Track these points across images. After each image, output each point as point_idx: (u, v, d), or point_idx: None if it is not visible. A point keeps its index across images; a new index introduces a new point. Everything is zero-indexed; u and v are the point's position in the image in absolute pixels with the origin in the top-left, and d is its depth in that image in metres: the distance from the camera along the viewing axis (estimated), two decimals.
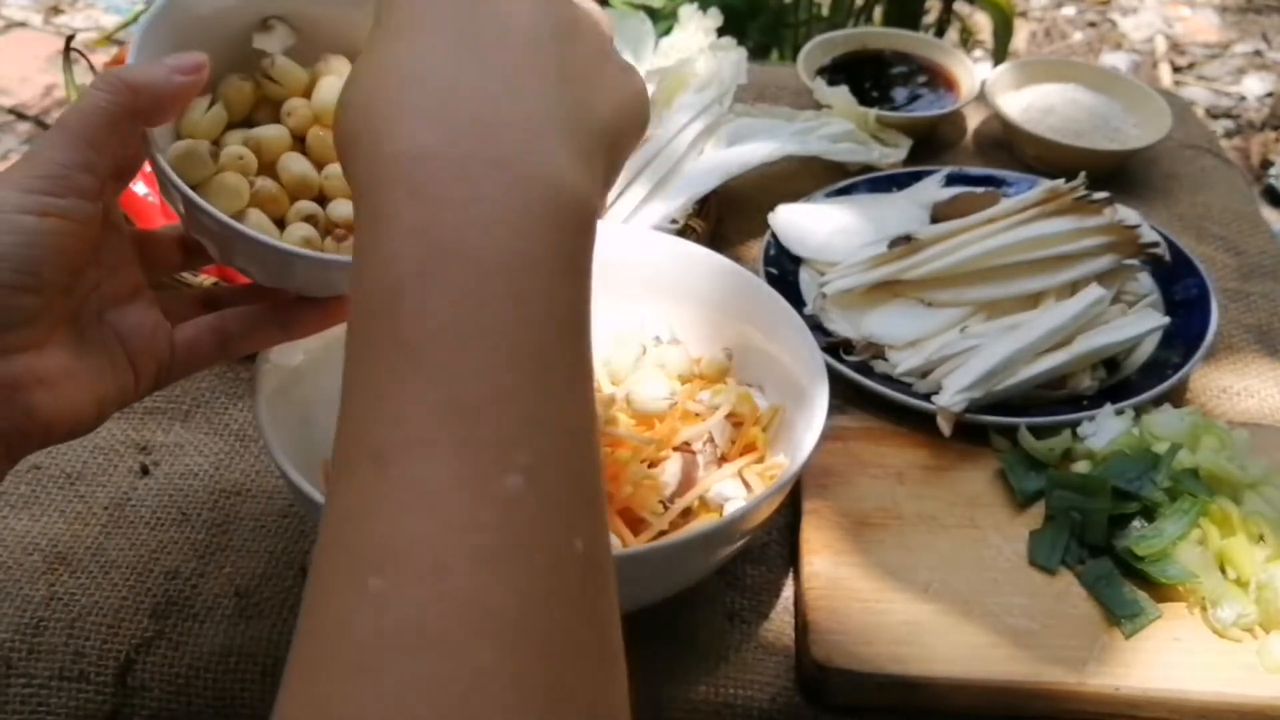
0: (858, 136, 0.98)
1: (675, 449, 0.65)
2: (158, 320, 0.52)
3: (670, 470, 0.63)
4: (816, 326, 0.79)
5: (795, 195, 0.92)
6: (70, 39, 0.93)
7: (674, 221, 0.87)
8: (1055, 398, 0.75)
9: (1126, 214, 0.80)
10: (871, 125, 1.00)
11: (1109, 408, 0.73)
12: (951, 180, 0.94)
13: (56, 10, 2.65)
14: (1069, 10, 2.85)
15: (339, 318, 0.54)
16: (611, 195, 0.88)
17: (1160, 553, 0.64)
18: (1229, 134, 2.39)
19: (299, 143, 0.54)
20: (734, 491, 0.64)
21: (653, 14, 1.22)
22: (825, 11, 1.89)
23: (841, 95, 1.00)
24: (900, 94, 1.07)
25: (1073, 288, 0.79)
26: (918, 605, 0.63)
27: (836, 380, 0.69)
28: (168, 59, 0.49)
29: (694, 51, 1.00)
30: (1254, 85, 2.56)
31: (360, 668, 0.29)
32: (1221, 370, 0.83)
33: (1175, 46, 2.70)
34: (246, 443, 0.74)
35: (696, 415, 0.67)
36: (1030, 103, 1.04)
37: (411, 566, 0.30)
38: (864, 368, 0.77)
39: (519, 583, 0.30)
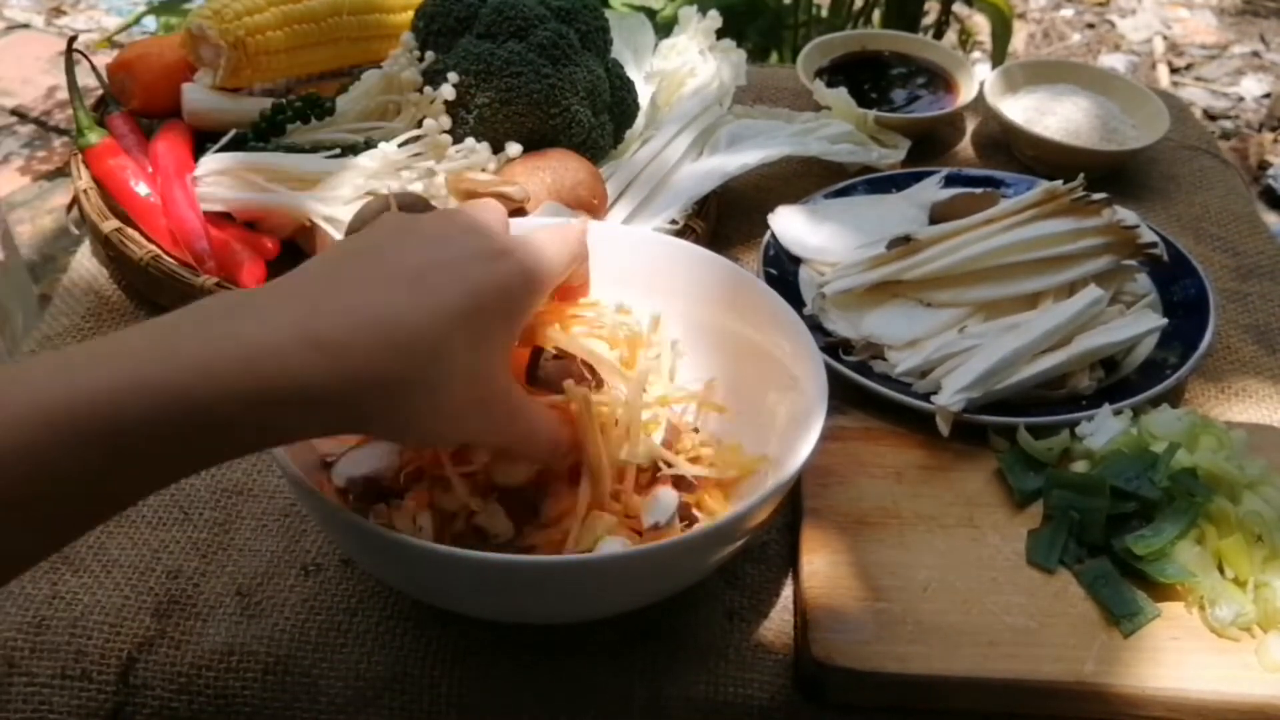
0: (857, 138, 0.98)
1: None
2: None
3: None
4: (816, 326, 0.79)
5: (795, 196, 0.92)
6: (72, 40, 0.93)
7: (674, 222, 0.88)
8: (1054, 398, 0.76)
9: (1125, 215, 0.80)
10: (870, 126, 1.00)
11: (1107, 408, 0.73)
12: (950, 181, 0.94)
13: (59, 12, 2.65)
14: (1067, 12, 2.86)
15: None
16: (611, 197, 0.88)
17: (1158, 552, 0.64)
18: (1226, 135, 2.40)
19: None
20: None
21: (652, 17, 1.22)
22: (824, 13, 1.89)
23: (840, 97, 1.00)
24: (899, 95, 1.08)
25: (1071, 288, 0.79)
26: (916, 604, 0.63)
27: (836, 380, 0.69)
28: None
29: (693, 54, 1.00)
30: (1252, 86, 2.56)
31: None
32: (1220, 370, 0.83)
33: (1173, 48, 2.71)
34: None
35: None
36: (1029, 104, 1.05)
37: None
38: (863, 368, 0.77)
39: None
